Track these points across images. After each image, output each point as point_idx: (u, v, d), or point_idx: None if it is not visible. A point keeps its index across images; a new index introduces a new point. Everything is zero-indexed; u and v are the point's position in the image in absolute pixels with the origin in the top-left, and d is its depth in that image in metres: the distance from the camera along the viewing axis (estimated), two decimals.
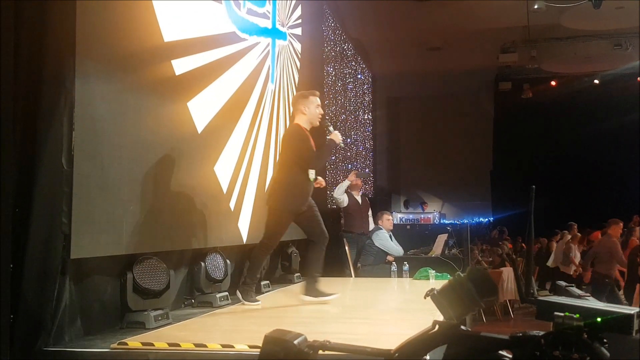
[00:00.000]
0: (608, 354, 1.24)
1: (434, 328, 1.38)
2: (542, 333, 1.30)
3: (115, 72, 4.08)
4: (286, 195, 5.01)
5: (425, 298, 1.46)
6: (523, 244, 17.86)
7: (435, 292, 1.46)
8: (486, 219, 20.71)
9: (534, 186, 1.65)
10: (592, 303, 1.42)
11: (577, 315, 1.27)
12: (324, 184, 5.52)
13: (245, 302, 4.95)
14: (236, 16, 5.94)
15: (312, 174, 5.09)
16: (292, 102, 5.32)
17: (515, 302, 11.26)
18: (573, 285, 4.76)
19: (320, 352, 1.34)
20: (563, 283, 4.64)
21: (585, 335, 1.26)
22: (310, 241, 5.25)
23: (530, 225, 1.60)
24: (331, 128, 5.30)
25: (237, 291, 5.04)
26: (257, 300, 5.02)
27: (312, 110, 5.10)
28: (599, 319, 1.27)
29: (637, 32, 13.52)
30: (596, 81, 16.71)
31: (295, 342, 1.31)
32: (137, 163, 4.30)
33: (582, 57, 14.97)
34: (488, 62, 15.60)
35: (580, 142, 17.46)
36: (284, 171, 5.11)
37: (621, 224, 8.37)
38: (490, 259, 13.03)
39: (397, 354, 1.35)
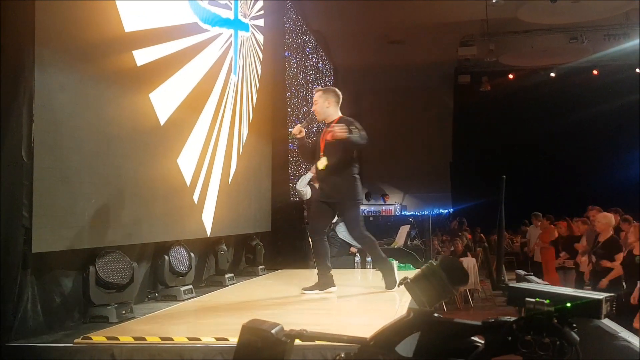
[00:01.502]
0: (577, 338, 1.28)
1: (409, 316, 1.40)
2: (513, 319, 1.33)
3: (75, 62, 4.01)
4: None
5: (398, 286, 1.48)
6: (481, 235, 18.20)
7: (409, 280, 1.48)
8: (446, 210, 20.99)
9: (504, 176, 1.69)
10: (562, 289, 1.46)
11: (548, 301, 1.30)
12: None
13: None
14: (198, 7, 5.88)
15: (320, 163, 5.28)
16: (327, 94, 5.46)
17: (474, 292, 11.47)
18: (532, 273, 4.86)
19: (298, 341, 1.35)
20: (522, 272, 4.74)
21: (555, 320, 1.29)
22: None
23: (500, 214, 1.63)
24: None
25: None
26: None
27: (314, 106, 5.39)
28: (568, 304, 1.31)
29: (593, 26, 13.87)
30: (552, 74, 17.05)
31: (273, 331, 1.32)
32: (98, 155, 4.23)
33: (539, 50, 15.26)
34: (448, 55, 15.79)
35: (537, 134, 17.81)
36: None
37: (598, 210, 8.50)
38: (452, 249, 13.22)
39: (372, 342, 1.36)
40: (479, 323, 1.38)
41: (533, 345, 1.27)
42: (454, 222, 18.46)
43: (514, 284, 1.49)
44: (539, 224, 11.92)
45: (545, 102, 17.81)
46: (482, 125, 18.90)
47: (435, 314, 1.43)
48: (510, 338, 1.31)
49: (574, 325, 1.33)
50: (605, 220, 7.63)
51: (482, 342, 1.37)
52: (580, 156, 17.53)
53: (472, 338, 1.40)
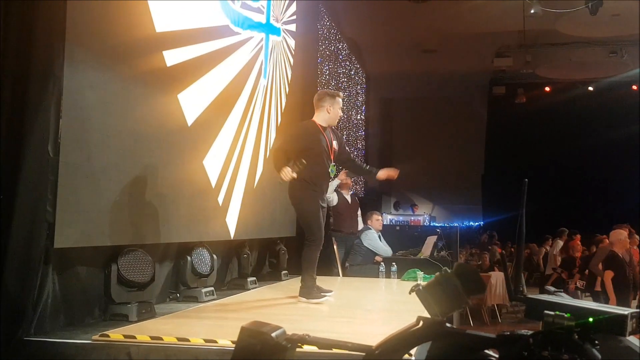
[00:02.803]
0: (599, 356, 1.20)
1: (418, 324, 1.33)
2: (530, 332, 1.26)
3: (105, 61, 4.03)
4: None
5: (410, 293, 1.42)
6: (512, 249, 17.93)
7: (421, 287, 1.42)
8: (476, 223, 20.73)
9: (526, 180, 1.62)
10: (585, 303, 1.38)
11: (568, 315, 1.23)
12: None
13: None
14: (230, 9, 5.89)
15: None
16: (317, 98, 5.25)
17: (503, 307, 11.26)
18: (561, 290, 4.73)
19: (304, 347, 1.30)
20: (552, 288, 4.61)
21: (576, 336, 1.22)
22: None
23: (521, 221, 1.56)
24: None
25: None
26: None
27: (336, 111, 5.17)
28: (590, 319, 1.23)
29: (633, 40, 13.56)
30: (590, 88, 16.70)
31: (273, 334, 1.27)
32: (125, 153, 4.24)
33: (577, 63, 14.98)
34: (482, 65, 15.60)
35: (573, 149, 17.47)
36: None
37: (623, 228, 8.38)
38: (479, 262, 13.04)
39: (378, 350, 1.30)
40: (493, 336, 1.32)
41: None
42: (484, 236, 18.23)
43: (533, 295, 1.42)
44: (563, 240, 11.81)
45: (582, 117, 17.44)
46: (515, 138, 18.63)
47: (447, 324, 1.36)
48: (526, 353, 1.24)
49: (596, 342, 1.26)
50: (615, 237, 7.62)
51: (496, 356, 1.31)
52: (618, 173, 17.16)
53: (486, 352, 1.33)
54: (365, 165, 5.82)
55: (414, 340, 1.33)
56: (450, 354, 1.33)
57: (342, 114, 5.31)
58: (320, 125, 5.12)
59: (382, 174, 5.37)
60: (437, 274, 1.43)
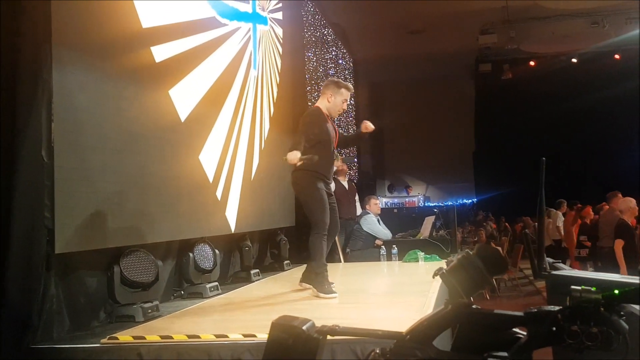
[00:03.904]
0: (627, 326, 1.20)
1: (447, 308, 1.32)
2: (557, 308, 1.24)
3: (93, 60, 3.97)
4: None
5: (434, 277, 1.41)
6: (506, 224, 18.05)
7: (444, 270, 1.40)
8: (470, 200, 20.82)
9: (544, 158, 1.60)
10: (607, 275, 1.37)
11: (594, 289, 1.22)
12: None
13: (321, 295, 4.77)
14: (215, 1, 5.82)
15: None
16: (323, 86, 5.20)
17: (501, 281, 11.35)
18: (560, 261, 4.75)
19: (329, 337, 1.28)
20: (550, 260, 4.63)
21: (602, 309, 1.21)
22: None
23: (541, 198, 1.54)
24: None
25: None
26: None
27: (337, 102, 5.01)
28: (616, 291, 1.22)
29: (614, 10, 13.58)
30: (574, 60, 16.75)
31: (304, 327, 1.25)
32: (119, 154, 4.19)
33: (560, 36, 15.01)
34: (468, 44, 15.58)
35: (560, 121, 17.56)
36: None
37: (620, 196, 8.36)
38: (475, 239, 13.13)
39: (409, 336, 1.29)
40: (521, 314, 1.30)
41: (580, 336, 1.19)
42: (480, 214, 18.32)
43: (556, 272, 1.41)
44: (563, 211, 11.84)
45: (567, 88, 17.52)
46: (504, 114, 18.71)
47: (474, 306, 1.35)
48: (555, 329, 1.23)
49: (622, 313, 1.25)
50: (626, 205, 7.61)
51: (525, 333, 1.29)
52: (604, 142, 17.26)
53: (514, 330, 1.32)
54: (348, 134, 5.62)
55: (444, 324, 1.32)
56: (479, 334, 1.32)
57: (345, 108, 5.11)
58: (325, 112, 5.04)
59: (363, 127, 5.20)
60: (459, 256, 1.41)
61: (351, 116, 14.71)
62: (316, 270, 4.84)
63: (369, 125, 5.17)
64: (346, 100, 5.07)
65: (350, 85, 5.21)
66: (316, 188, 4.88)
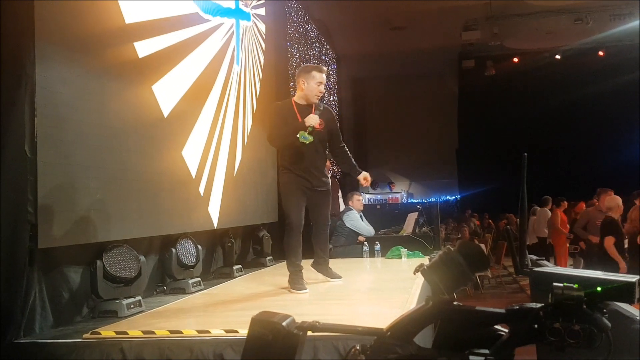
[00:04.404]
0: (609, 324, 1.21)
1: (428, 304, 1.33)
2: (539, 305, 1.26)
3: (76, 55, 3.96)
4: None
5: (415, 273, 1.42)
6: (490, 221, 18.15)
7: (425, 267, 1.41)
8: (453, 197, 20.91)
9: (525, 154, 1.61)
10: (590, 272, 1.39)
11: (576, 285, 1.23)
12: None
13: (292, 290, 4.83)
14: None
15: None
16: (296, 76, 5.14)
17: (484, 278, 11.41)
18: (544, 258, 4.78)
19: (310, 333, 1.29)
20: (534, 257, 4.67)
21: (585, 306, 1.22)
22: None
23: (522, 194, 1.56)
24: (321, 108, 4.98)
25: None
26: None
27: (311, 86, 4.84)
28: (599, 288, 1.23)
29: (598, 7, 13.68)
30: (558, 56, 16.87)
31: (284, 323, 1.26)
32: (102, 149, 4.19)
33: (543, 32, 15.10)
34: (451, 40, 15.64)
35: (544, 117, 17.68)
36: None
37: (611, 193, 8.37)
38: (459, 235, 13.19)
39: (389, 332, 1.30)
40: (502, 311, 1.31)
41: (562, 333, 1.20)
42: (467, 211, 18.39)
43: (538, 268, 1.42)
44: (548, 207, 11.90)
45: (551, 85, 17.66)
46: (487, 111, 18.80)
47: (455, 302, 1.36)
48: (536, 326, 1.24)
49: (605, 310, 1.26)
50: (614, 203, 7.58)
51: (506, 330, 1.31)
52: (588, 138, 17.41)
53: (495, 327, 1.34)
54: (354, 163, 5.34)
55: (425, 320, 1.33)
56: (460, 331, 1.33)
57: (321, 90, 4.89)
58: (296, 103, 4.91)
59: (361, 176, 5.17)
60: (441, 252, 1.42)
61: (334, 112, 14.71)
62: (289, 267, 4.90)
63: (367, 181, 5.20)
64: (321, 82, 4.88)
65: (322, 67, 5.05)
66: (290, 186, 4.87)
